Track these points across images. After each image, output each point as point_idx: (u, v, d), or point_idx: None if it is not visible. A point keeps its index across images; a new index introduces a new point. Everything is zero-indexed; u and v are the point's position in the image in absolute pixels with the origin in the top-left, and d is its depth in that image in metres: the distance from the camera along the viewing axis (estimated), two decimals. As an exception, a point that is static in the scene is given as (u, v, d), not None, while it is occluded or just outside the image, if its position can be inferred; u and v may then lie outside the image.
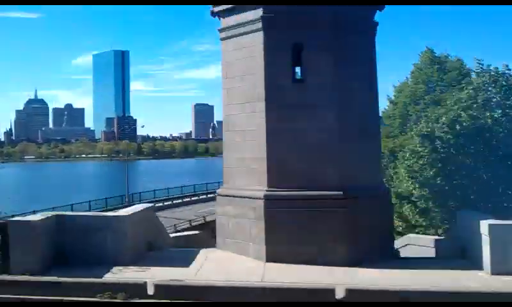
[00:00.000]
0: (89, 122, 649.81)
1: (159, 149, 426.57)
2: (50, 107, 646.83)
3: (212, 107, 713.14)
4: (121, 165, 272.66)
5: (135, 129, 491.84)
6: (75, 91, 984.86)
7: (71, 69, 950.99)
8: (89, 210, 48.32)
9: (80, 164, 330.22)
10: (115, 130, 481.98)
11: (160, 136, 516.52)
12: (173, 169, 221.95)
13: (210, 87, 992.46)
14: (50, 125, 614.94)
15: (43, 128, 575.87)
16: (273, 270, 13.23)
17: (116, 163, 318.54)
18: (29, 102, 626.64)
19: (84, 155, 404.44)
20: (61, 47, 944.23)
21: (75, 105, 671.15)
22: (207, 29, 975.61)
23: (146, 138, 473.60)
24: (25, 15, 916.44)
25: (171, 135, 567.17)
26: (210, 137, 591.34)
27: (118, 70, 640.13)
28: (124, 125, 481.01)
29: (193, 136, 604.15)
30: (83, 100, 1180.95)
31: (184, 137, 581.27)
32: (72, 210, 45.19)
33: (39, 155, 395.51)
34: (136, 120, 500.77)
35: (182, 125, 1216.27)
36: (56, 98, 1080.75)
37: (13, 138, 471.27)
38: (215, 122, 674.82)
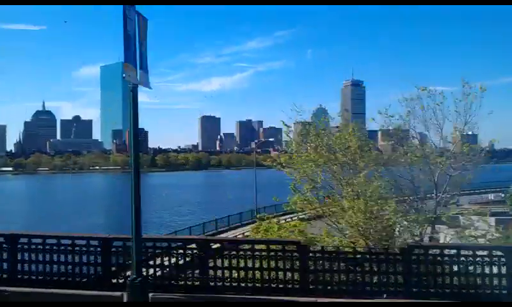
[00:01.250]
0: (96, 134, 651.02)
1: (172, 161, 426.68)
2: (58, 118, 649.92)
3: (218, 119, 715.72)
4: (149, 177, 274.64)
5: (146, 141, 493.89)
6: (77, 102, 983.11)
7: (72, 81, 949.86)
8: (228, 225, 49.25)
9: (102, 175, 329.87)
10: (126, 142, 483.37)
11: (171, 149, 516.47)
12: (194, 182, 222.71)
13: (212, 100, 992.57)
14: (58, 137, 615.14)
15: (52, 140, 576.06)
16: None
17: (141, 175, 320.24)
18: (37, 113, 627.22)
19: (97, 167, 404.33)
20: (63, 59, 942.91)
21: (83, 116, 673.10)
22: (207, 42, 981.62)
23: (157, 150, 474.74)
24: (28, 27, 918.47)
25: (179, 147, 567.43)
26: (218, 149, 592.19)
27: (125, 82, 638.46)
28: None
29: (200, 148, 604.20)
30: (86, 112, 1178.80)
31: (190, 148, 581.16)
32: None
33: (52, 167, 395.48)
34: (147, 132, 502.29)
35: (188, 137, 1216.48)
36: (60, 110, 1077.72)
37: (23, 150, 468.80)
38: (222, 134, 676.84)
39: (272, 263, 12.16)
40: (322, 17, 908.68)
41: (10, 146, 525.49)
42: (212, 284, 12.15)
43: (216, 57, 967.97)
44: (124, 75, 10.48)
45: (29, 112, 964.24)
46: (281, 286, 12.04)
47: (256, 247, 12.61)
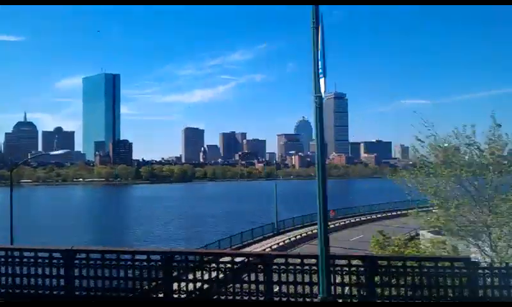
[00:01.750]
0: (77, 145, 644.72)
1: (157, 173, 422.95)
2: (39, 130, 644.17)
3: (202, 131, 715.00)
4: (138, 189, 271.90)
5: (130, 153, 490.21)
6: (57, 114, 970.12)
7: (51, 92, 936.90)
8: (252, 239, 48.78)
9: (87, 188, 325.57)
10: (110, 154, 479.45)
11: (155, 161, 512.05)
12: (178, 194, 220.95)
13: (194, 111, 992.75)
14: (40, 148, 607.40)
15: (33, 152, 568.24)
16: None
17: (126, 187, 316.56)
18: (18, 124, 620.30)
19: (81, 179, 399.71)
20: (41, 71, 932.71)
21: (64, 128, 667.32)
22: (190, 53, 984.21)
23: (141, 162, 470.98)
24: (8, 38, 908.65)
25: (163, 158, 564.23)
26: (201, 160, 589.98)
27: (108, 94, 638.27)
28: (119, 149, 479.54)
29: (183, 160, 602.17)
30: (66, 123, 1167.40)
31: (174, 160, 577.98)
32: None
33: (36, 179, 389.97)
34: (131, 144, 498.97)
35: (170, 148, 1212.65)
36: (39, 122, 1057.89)
37: (4, 161, 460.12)
38: (205, 146, 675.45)
39: (441, 280, 11.90)
40: (302, 31, 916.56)
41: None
42: (379, 301, 11.84)
43: (198, 70, 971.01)
44: (324, 90, 10.07)
45: (9, 123, 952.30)
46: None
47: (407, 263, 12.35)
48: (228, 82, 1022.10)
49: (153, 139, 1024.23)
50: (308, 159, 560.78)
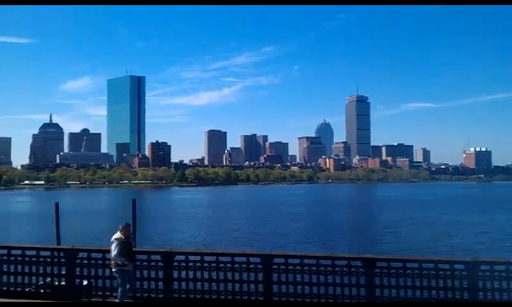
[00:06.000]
0: (103, 147, 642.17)
1: (203, 176, 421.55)
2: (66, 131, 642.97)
3: (224, 133, 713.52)
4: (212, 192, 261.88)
5: (169, 155, 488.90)
6: (63, 116, 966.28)
7: (58, 94, 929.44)
8: None
9: (142, 190, 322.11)
10: (148, 155, 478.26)
11: (191, 163, 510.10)
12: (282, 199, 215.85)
13: (199, 114, 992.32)
14: (66, 150, 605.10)
15: (61, 153, 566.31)
16: None
17: (174, 189, 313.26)
18: (44, 126, 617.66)
19: (127, 181, 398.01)
20: (49, 73, 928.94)
21: (70, 130, 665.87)
22: (196, 55, 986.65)
23: (179, 164, 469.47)
24: (16, 40, 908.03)
25: (190, 161, 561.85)
26: (225, 163, 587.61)
27: (133, 95, 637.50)
28: (158, 151, 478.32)
29: (206, 162, 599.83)
30: (74, 125, 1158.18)
31: (197, 163, 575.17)
32: None
33: (83, 181, 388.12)
34: (170, 146, 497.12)
35: (186, 150, 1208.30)
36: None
37: (44, 163, 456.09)
38: (229, 148, 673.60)
39: None
40: (308, 34, 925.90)
41: (15, 158, 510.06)
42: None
43: (204, 72, 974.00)
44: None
45: (22, 124, 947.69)
46: None
47: None
48: (234, 84, 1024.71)
49: (165, 140, 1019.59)
50: (343, 163, 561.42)
